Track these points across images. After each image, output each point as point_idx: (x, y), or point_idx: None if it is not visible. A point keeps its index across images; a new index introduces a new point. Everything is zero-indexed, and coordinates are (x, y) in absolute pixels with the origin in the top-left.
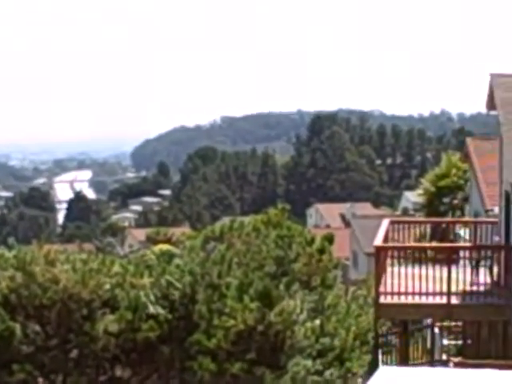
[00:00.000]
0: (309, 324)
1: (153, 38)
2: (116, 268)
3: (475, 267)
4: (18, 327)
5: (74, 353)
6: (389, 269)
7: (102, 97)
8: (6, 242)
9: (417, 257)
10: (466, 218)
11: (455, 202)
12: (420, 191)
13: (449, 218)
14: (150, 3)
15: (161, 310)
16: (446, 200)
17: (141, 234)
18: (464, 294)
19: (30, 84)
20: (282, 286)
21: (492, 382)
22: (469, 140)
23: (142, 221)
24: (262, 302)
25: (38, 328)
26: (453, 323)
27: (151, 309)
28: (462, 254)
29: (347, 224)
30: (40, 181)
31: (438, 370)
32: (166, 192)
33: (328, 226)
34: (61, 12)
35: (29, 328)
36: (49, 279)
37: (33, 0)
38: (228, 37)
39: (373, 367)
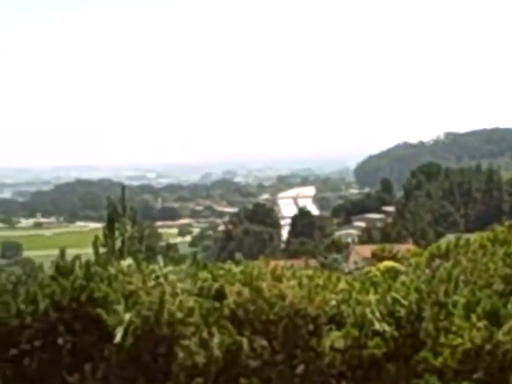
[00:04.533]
0: None
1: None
2: (342, 284)
3: None
4: (245, 342)
5: (300, 368)
6: None
7: (323, 113)
8: (232, 257)
9: None
10: None
11: None
12: None
13: None
14: None
15: (387, 327)
16: None
17: (364, 250)
18: None
19: (250, 102)
20: (510, 305)
21: None
22: None
23: (366, 237)
24: (489, 320)
25: (264, 343)
26: None
27: (377, 326)
28: None
29: None
30: (264, 197)
31: None
32: (390, 208)
33: None
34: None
35: (255, 343)
36: (275, 295)
37: None
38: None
39: None
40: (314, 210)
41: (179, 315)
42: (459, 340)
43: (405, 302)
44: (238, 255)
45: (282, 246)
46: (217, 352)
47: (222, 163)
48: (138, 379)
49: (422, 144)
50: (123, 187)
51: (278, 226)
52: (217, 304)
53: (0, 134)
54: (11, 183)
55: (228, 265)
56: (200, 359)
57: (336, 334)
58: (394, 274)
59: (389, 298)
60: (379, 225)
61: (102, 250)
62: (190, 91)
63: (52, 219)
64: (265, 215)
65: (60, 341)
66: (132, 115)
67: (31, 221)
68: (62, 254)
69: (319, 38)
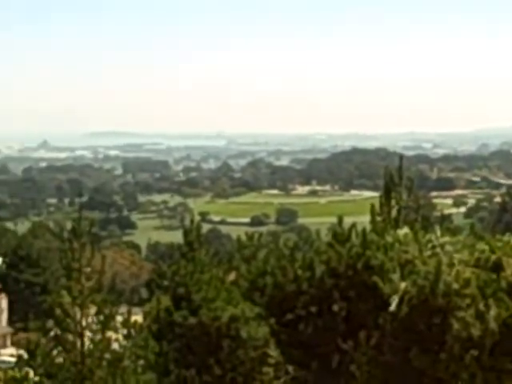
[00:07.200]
0: None
1: None
2: None
3: None
4: None
5: None
6: None
7: None
8: (509, 230)
9: None
10: None
11: None
12: None
13: None
14: None
15: None
16: None
17: None
18: None
19: None
20: None
21: None
22: None
23: None
24: None
25: None
26: None
27: None
28: None
29: None
30: None
31: None
32: None
33: None
34: None
35: None
36: None
37: None
38: None
39: None
40: None
41: (455, 286)
42: None
43: None
44: None
45: None
46: (493, 325)
47: (501, 134)
48: (412, 349)
49: None
50: (401, 157)
51: None
52: (494, 276)
53: (270, 101)
54: (289, 150)
55: (507, 237)
56: (475, 331)
57: None
58: None
59: None
60: None
61: (377, 218)
62: (458, 61)
63: (327, 187)
64: None
65: (335, 307)
66: (404, 86)
67: (306, 188)
68: (340, 221)
69: None
